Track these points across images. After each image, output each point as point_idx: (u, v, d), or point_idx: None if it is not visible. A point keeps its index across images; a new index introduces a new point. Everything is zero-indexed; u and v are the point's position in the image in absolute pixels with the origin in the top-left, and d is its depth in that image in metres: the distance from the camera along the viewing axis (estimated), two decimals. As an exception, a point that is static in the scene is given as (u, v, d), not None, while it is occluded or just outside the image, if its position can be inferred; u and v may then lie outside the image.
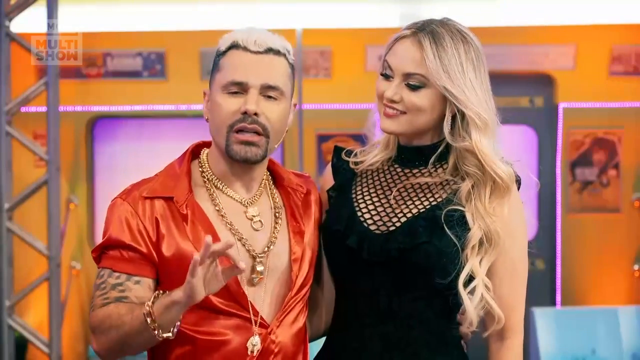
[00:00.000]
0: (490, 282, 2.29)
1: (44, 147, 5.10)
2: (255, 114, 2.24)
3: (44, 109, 5.02)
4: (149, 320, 2.07)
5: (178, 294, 2.04)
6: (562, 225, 6.59)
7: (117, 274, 2.23)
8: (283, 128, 2.32)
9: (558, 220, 6.58)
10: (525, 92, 6.61)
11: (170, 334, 2.10)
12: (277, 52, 2.29)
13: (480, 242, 2.27)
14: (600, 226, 6.60)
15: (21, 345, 5.85)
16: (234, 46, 2.28)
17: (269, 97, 2.26)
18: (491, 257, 2.28)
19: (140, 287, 2.21)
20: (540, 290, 6.49)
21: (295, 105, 2.37)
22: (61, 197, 5.32)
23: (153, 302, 2.09)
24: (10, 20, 4.90)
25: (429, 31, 2.29)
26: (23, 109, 5.15)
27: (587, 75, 6.53)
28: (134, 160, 6.51)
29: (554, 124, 6.59)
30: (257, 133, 2.25)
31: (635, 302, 6.43)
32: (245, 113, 2.24)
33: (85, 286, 6.52)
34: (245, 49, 2.27)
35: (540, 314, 5.93)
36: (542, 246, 6.44)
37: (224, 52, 2.30)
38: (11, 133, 4.98)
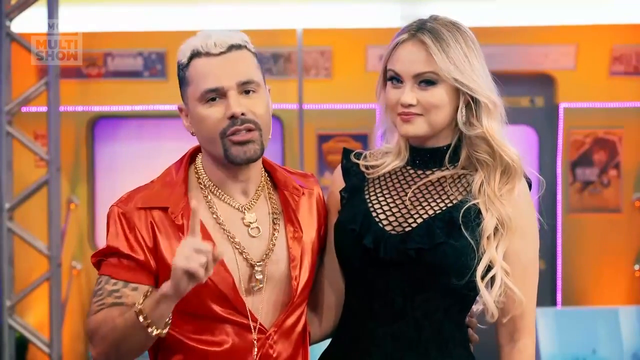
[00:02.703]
0: None
1: (44, 147, 5.11)
2: (242, 114, 2.21)
3: (44, 109, 5.02)
4: (141, 318, 2.06)
5: (167, 285, 2.03)
6: (562, 225, 6.59)
7: (114, 281, 2.21)
8: (269, 118, 2.28)
9: (559, 220, 6.58)
10: (526, 92, 6.61)
11: (162, 331, 2.08)
12: (239, 47, 2.25)
13: (495, 230, 2.29)
14: (600, 226, 6.59)
15: (22, 345, 5.86)
16: (195, 55, 2.26)
17: (248, 91, 2.23)
18: (506, 242, 2.30)
19: (137, 294, 2.19)
20: (541, 290, 6.41)
21: (269, 89, 2.34)
22: (62, 197, 5.32)
23: (144, 300, 2.08)
24: (10, 20, 4.91)
25: (427, 29, 2.31)
26: (24, 109, 5.15)
27: (588, 75, 6.52)
28: (134, 161, 6.51)
29: (555, 124, 6.59)
30: (250, 130, 2.22)
31: (635, 302, 6.43)
32: (232, 117, 2.21)
33: (85, 286, 6.52)
34: (208, 54, 2.24)
35: (541, 314, 5.93)
36: (542, 246, 6.42)
37: (187, 64, 2.27)
38: (12, 133, 4.98)
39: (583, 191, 6.62)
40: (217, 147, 2.24)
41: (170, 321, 2.10)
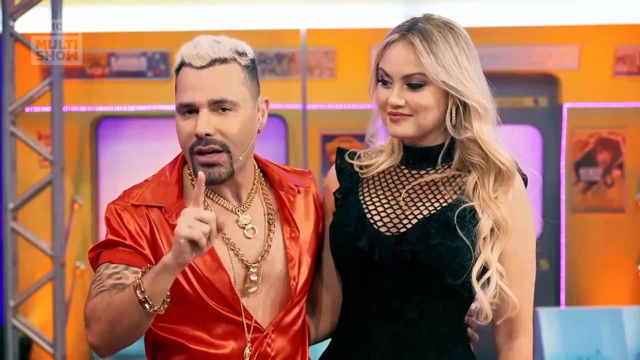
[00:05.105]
0: None
1: (48, 147, 5.11)
2: (208, 134, 2.17)
3: (48, 109, 5.02)
4: (138, 292, 2.00)
5: (168, 256, 1.99)
6: (566, 225, 6.59)
7: (114, 265, 2.16)
8: (246, 137, 2.23)
9: (562, 221, 6.58)
10: (530, 92, 6.61)
11: (159, 308, 2.02)
12: (224, 60, 2.19)
13: (491, 231, 2.28)
14: (604, 226, 6.60)
15: (25, 345, 5.86)
16: (183, 64, 2.22)
17: (224, 109, 2.19)
18: (501, 244, 2.28)
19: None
20: (545, 290, 6.49)
21: (267, 101, 2.29)
22: (65, 197, 5.32)
23: (142, 275, 2.02)
24: (14, 20, 4.91)
25: (417, 30, 2.30)
26: (27, 109, 5.16)
27: (592, 76, 6.53)
28: (138, 160, 6.52)
29: (558, 124, 6.59)
30: (217, 151, 2.18)
31: (639, 302, 6.42)
32: (197, 136, 2.17)
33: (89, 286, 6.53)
34: (191, 65, 2.19)
35: (545, 314, 5.92)
36: (546, 246, 6.44)
37: (177, 71, 2.23)
38: (15, 133, 4.98)
39: (587, 191, 6.62)
40: (189, 161, 2.23)
41: (168, 299, 2.04)
